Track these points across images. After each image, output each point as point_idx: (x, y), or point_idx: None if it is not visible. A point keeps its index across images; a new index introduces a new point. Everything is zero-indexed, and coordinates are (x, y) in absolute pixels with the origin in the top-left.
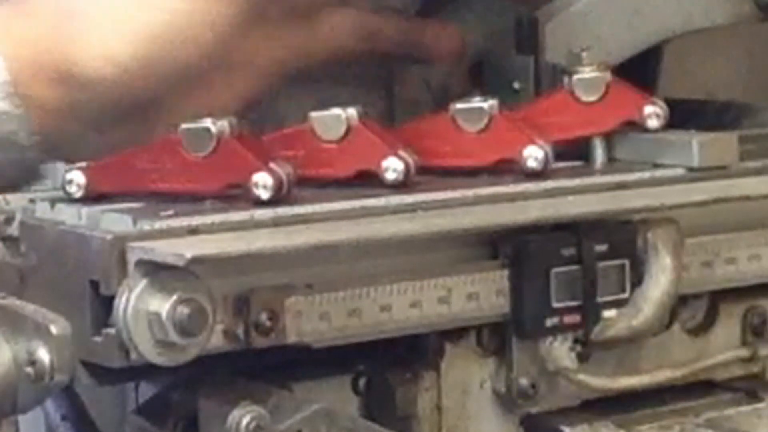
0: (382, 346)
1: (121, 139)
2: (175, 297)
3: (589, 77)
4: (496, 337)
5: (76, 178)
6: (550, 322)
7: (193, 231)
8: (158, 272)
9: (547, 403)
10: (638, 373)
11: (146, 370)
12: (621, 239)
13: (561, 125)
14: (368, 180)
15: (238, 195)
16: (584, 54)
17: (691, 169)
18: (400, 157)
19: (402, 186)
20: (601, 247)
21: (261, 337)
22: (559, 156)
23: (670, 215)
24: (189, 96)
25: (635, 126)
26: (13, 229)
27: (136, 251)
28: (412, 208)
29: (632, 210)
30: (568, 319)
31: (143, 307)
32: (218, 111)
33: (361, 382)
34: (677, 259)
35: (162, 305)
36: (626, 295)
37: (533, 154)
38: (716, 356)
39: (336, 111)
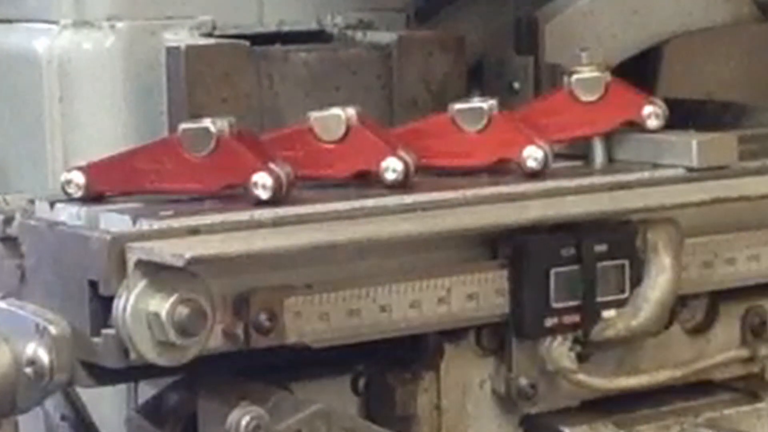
0: (381, 346)
1: None
2: (174, 297)
3: (588, 77)
4: (495, 337)
5: (76, 179)
6: (549, 322)
7: (193, 231)
8: (158, 272)
9: (546, 404)
10: (638, 373)
11: (146, 370)
12: (621, 239)
13: (561, 125)
14: (368, 180)
15: (238, 195)
16: (584, 54)
17: (690, 170)
18: (400, 158)
19: (401, 186)
20: (601, 247)
21: (260, 337)
22: (559, 156)
23: (670, 215)
24: None
25: (635, 126)
26: (13, 229)
27: (135, 251)
28: (412, 208)
29: (632, 210)
30: (568, 319)
31: (143, 308)
32: None
33: (361, 382)
34: (677, 259)
35: (161, 305)
36: (626, 295)
37: (533, 154)
38: (716, 356)
39: (336, 111)
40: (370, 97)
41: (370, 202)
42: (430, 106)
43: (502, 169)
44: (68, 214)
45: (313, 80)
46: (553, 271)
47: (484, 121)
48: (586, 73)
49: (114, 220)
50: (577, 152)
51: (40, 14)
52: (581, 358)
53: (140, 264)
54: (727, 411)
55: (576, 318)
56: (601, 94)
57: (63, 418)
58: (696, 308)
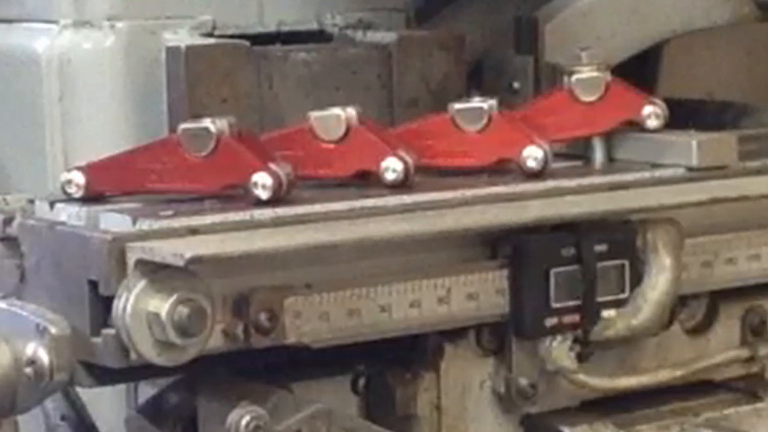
0: (381, 346)
1: None
2: (174, 297)
3: (588, 77)
4: (495, 337)
5: (76, 179)
6: (549, 322)
7: (193, 231)
8: (157, 272)
9: (546, 403)
10: (638, 373)
11: (146, 370)
12: (621, 239)
13: (561, 125)
14: (368, 180)
15: (237, 195)
16: (584, 54)
17: (690, 169)
18: (400, 157)
19: (401, 186)
20: (601, 247)
21: (260, 337)
22: (559, 156)
23: (670, 215)
24: None
25: (635, 126)
26: (13, 229)
27: (135, 251)
28: (412, 208)
29: (632, 210)
30: (568, 319)
31: (142, 308)
32: None
33: (361, 382)
34: (677, 259)
35: (161, 305)
36: (626, 295)
37: (533, 154)
38: (716, 356)
39: (336, 111)
40: (370, 97)
41: (370, 202)
42: (430, 106)
43: (502, 169)
44: (68, 214)
45: (313, 80)
46: (553, 271)
47: (484, 121)
48: (586, 73)
49: (114, 220)
50: (577, 152)
51: (40, 14)
52: (581, 358)
53: (140, 264)
54: (727, 411)
55: (576, 318)
56: (601, 94)
57: (63, 418)
58: (696, 308)
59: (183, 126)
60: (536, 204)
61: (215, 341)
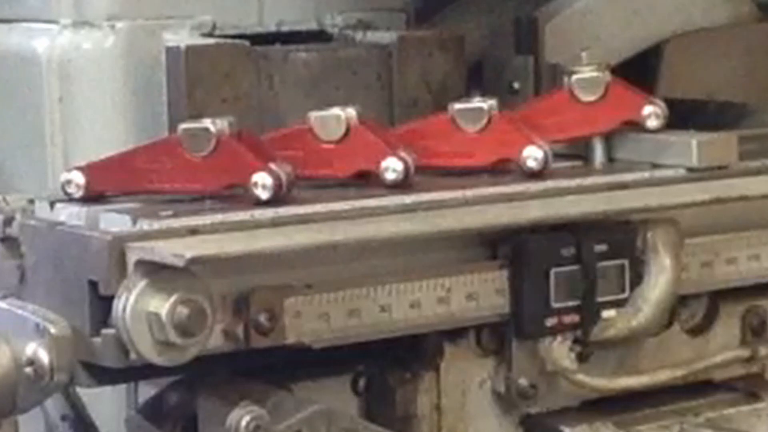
0: (381, 346)
1: None
2: (174, 297)
3: (589, 77)
4: (495, 337)
5: (76, 179)
6: (549, 322)
7: (193, 231)
8: (158, 272)
9: (546, 403)
10: (638, 373)
11: (146, 370)
12: (621, 239)
13: (561, 125)
14: (368, 180)
15: (238, 195)
16: (584, 54)
17: (690, 170)
18: (400, 157)
19: (401, 186)
20: (601, 247)
21: (260, 337)
22: (558, 156)
23: (670, 215)
24: None
25: (635, 126)
26: (13, 229)
27: (135, 251)
28: (412, 208)
29: (632, 210)
30: (568, 319)
31: (143, 308)
32: None
33: (361, 382)
34: (677, 259)
35: (161, 305)
36: (625, 295)
37: (532, 155)
38: (716, 356)
39: (335, 111)
40: (370, 97)
41: (370, 202)
42: (430, 106)
43: (502, 169)
44: (68, 214)
45: (313, 80)
46: (553, 271)
47: (484, 121)
48: (586, 73)
49: (114, 220)
50: (577, 152)
51: (40, 14)
52: (581, 358)
53: (140, 264)
54: (727, 411)
55: (576, 318)
56: (601, 94)
57: (63, 418)
58: (696, 308)
59: (183, 126)
60: (536, 204)
61: (215, 341)
